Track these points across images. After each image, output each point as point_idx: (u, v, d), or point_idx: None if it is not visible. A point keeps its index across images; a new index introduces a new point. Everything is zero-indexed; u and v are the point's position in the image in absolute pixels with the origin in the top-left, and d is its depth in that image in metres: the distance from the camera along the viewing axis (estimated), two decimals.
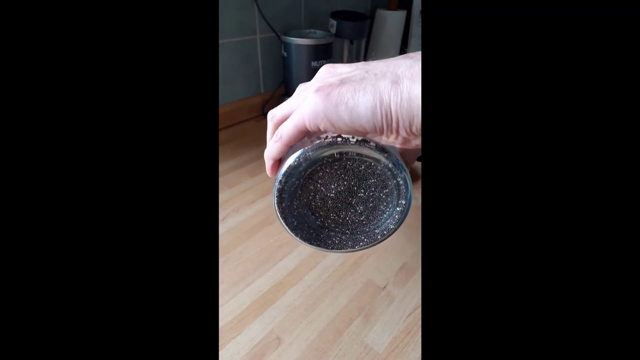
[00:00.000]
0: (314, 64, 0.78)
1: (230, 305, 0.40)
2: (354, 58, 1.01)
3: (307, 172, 0.21)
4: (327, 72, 0.21)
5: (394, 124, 0.17)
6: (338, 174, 0.21)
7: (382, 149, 0.20)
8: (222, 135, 0.78)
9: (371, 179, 0.21)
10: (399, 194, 0.21)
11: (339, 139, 0.20)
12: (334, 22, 0.85)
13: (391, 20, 0.99)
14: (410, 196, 0.21)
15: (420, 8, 0.99)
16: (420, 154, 0.23)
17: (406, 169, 0.20)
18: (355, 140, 0.20)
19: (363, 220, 0.22)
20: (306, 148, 0.20)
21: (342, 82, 0.18)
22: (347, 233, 0.23)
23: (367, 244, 0.23)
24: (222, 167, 0.66)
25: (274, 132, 0.22)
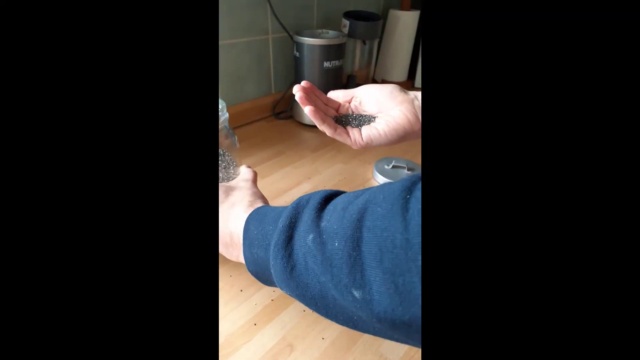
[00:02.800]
0: (326, 64, 0.77)
1: (241, 310, 0.39)
2: (366, 58, 1.00)
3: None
4: None
5: None
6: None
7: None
8: None
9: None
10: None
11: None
12: (346, 22, 0.85)
13: (404, 21, 0.98)
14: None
15: None
16: None
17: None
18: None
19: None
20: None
21: None
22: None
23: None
24: None
25: None
